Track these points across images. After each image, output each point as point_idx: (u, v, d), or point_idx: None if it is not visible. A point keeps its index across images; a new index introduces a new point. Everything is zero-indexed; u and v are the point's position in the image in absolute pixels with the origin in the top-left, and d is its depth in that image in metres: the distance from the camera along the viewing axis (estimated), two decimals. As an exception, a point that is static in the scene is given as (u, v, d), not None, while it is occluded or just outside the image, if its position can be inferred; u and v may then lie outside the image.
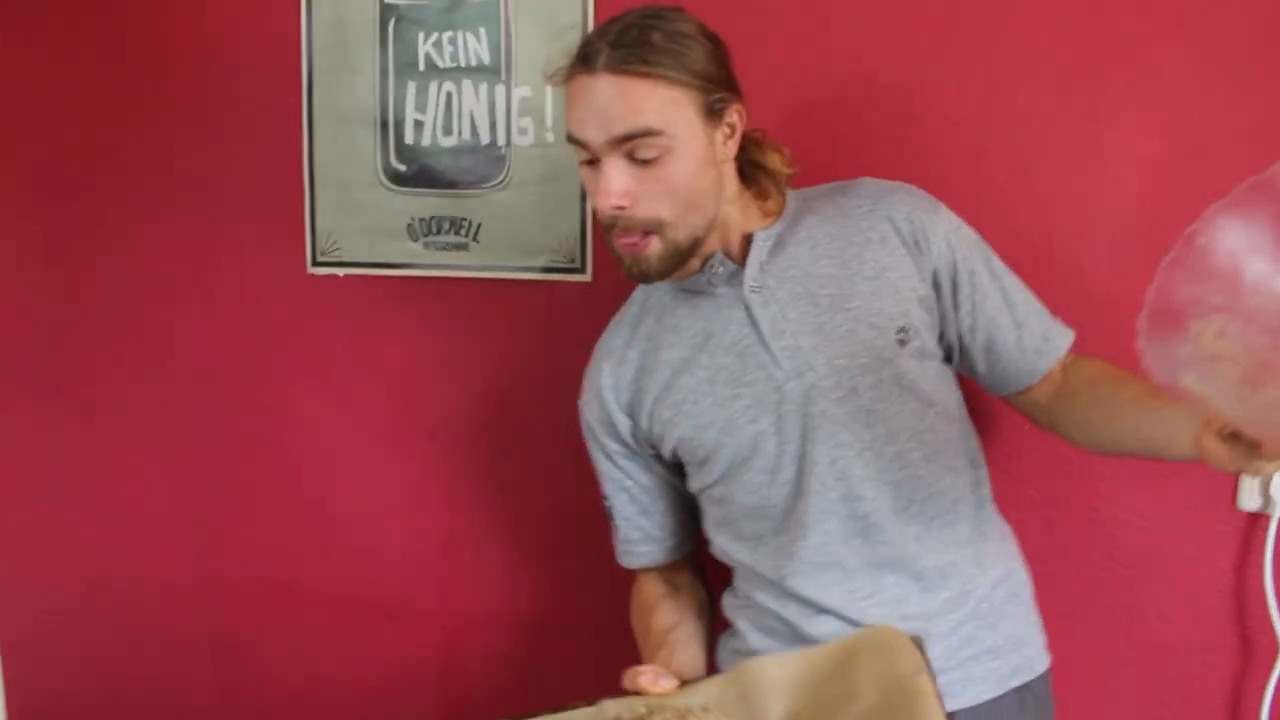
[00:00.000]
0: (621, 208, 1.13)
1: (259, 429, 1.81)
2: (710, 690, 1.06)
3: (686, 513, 1.37)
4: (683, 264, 1.19)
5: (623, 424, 1.30)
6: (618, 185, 1.11)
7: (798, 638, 1.21)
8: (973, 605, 1.21)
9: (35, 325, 1.87)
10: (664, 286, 1.27)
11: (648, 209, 1.13)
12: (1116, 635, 1.53)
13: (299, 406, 1.78)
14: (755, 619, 1.27)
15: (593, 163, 1.14)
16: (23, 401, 1.91)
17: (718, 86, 1.15)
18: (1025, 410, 1.33)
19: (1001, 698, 1.22)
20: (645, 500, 1.34)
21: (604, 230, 1.18)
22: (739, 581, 1.31)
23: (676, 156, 1.12)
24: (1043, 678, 1.29)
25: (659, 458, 1.32)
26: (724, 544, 1.29)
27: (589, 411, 1.34)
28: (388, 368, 1.73)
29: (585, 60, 1.10)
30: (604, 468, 1.35)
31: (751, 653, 1.25)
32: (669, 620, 1.26)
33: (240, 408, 1.81)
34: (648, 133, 1.09)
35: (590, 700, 1.06)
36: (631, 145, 1.10)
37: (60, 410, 1.89)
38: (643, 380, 1.27)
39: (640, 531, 1.36)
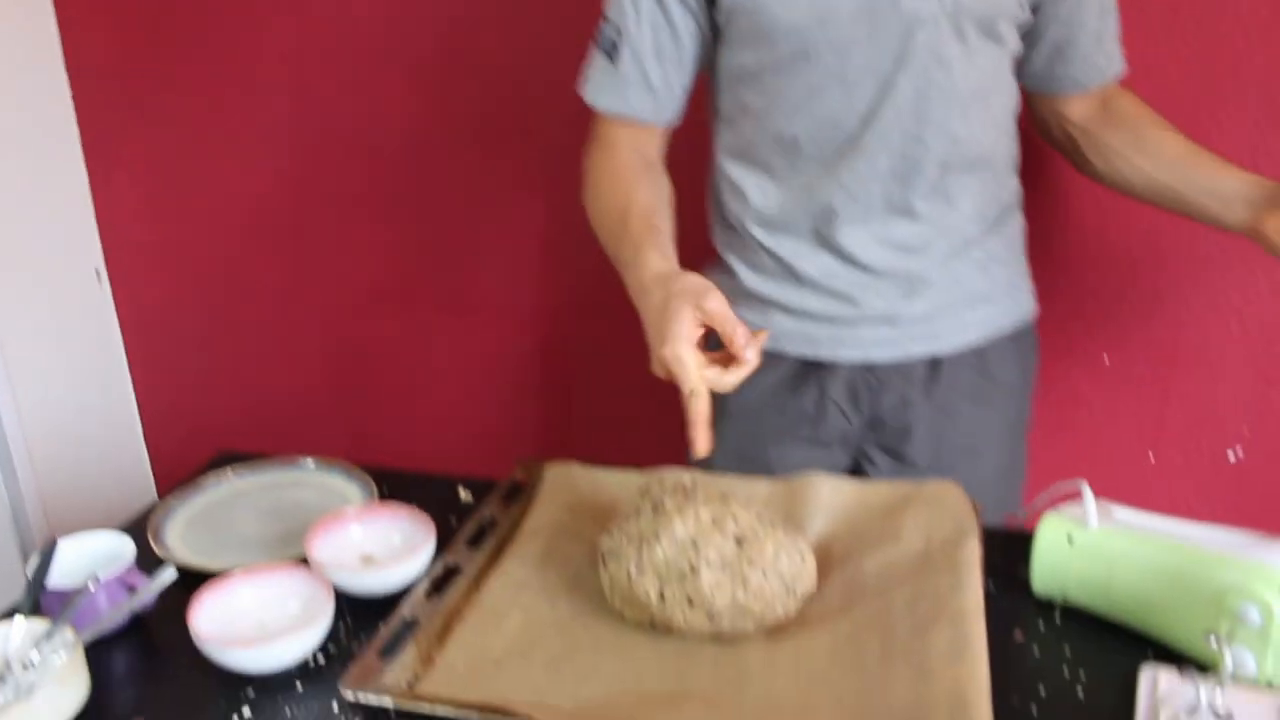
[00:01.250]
0: None
1: (355, 134, 1.82)
2: (758, 488, 1.07)
3: (690, 82, 1.23)
4: None
5: None
6: None
7: (790, 275, 1.20)
8: (975, 255, 1.20)
9: (129, 44, 1.88)
10: None
11: None
12: (1226, 313, 1.51)
13: (391, 106, 1.78)
14: (747, 256, 1.24)
15: None
16: (129, 122, 1.95)
17: None
18: (1048, 121, 1.29)
19: (991, 344, 1.23)
20: (665, 41, 1.17)
21: None
22: (731, 216, 1.25)
23: None
24: (1031, 326, 1.30)
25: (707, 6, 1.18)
26: (736, 173, 1.21)
27: None
28: (481, 64, 1.70)
29: None
30: None
31: (747, 293, 1.24)
32: (650, 200, 1.13)
33: (333, 113, 1.81)
34: None
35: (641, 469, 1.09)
36: None
37: (161, 125, 1.93)
38: None
39: (641, 77, 1.18)
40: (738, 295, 1.24)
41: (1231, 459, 1.58)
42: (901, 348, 1.21)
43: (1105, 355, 1.57)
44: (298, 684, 0.89)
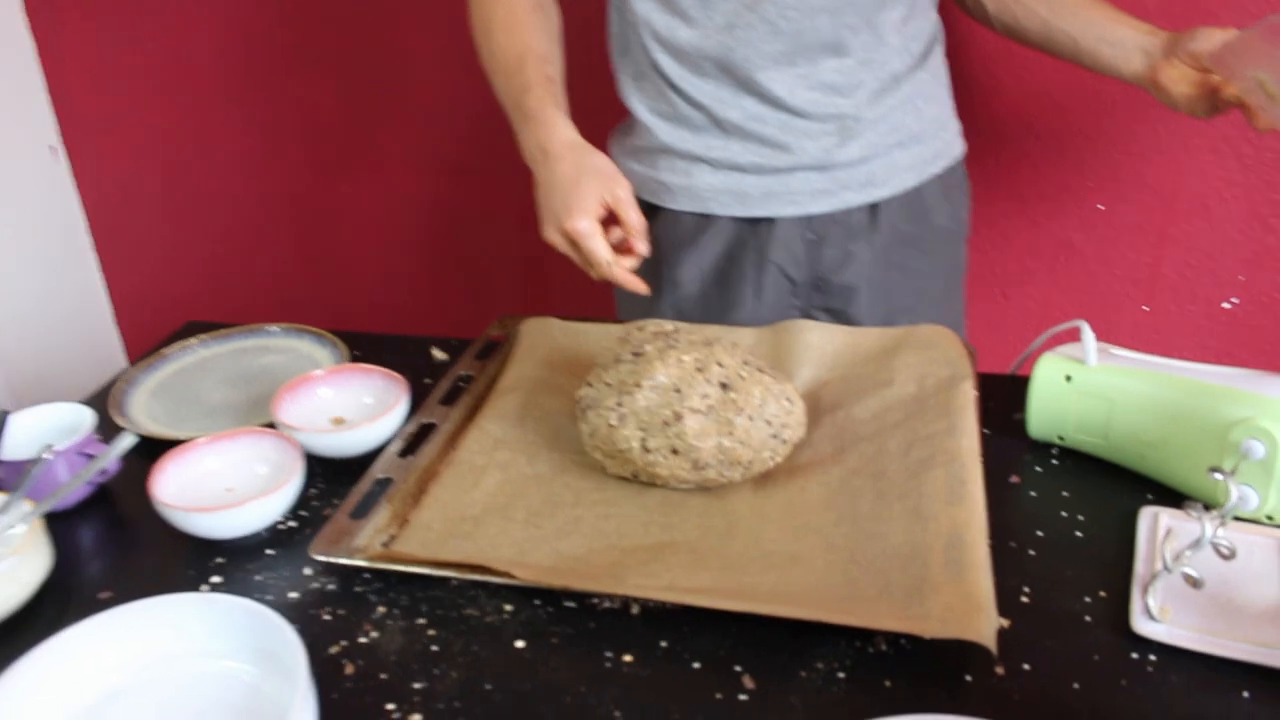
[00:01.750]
0: None
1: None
2: (743, 335, 1.03)
3: None
4: None
5: None
6: None
7: (714, 124, 1.12)
8: (904, 92, 1.14)
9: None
10: None
11: None
12: (1226, 156, 1.45)
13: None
14: (664, 108, 1.14)
15: None
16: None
17: None
18: None
19: (924, 185, 1.18)
20: None
21: None
22: (643, 64, 1.15)
23: None
24: (960, 165, 1.25)
25: None
26: (647, 15, 1.11)
27: None
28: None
29: None
30: None
31: (666, 149, 1.15)
32: (546, 48, 1.09)
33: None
34: None
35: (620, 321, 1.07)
36: None
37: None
38: None
39: None
40: (656, 153, 1.16)
41: (1226, 308, 1.54)
42: (838, 198, 1.14)
43: (1099, 203, 1.52)
44: (268, 550, 0.86)
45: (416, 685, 0.71)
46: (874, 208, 1.16)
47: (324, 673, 0.72)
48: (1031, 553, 0.80)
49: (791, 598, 0.73)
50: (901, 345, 0.98)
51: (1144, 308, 1.57)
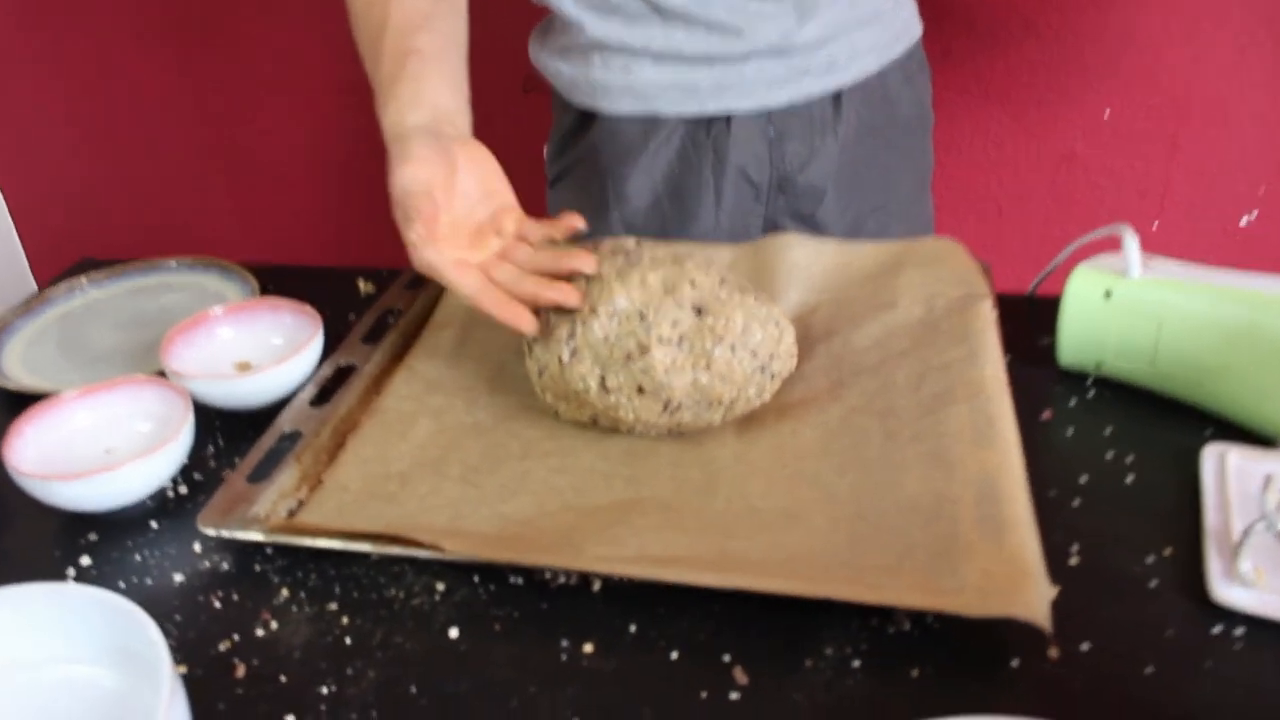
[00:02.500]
0: None
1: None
2: (719, 253, 0.88)
3: None
4: None
5: None
6: None
7: (652, 9, 0.95)
8: None
9: None
10: None
11: None
12: (1247, 54, 1.32)
13: None
14: None
15: None
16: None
17: None
18: None
19: (887, 70, 1.05)
20: None
21: None
22: None
23: None
24: (919, 47, 1.11)
25: None
26: None
27: None
28: None
29: None
30: None
31: (600, 45, 0.98)
32: (408, 11, 0.85)
33: None
34: None
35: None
36: None
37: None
38: None
39: None
40: (588, 50, 0.99)
41: (1244, 224, 1.41)
42: (798, 86, 1.00)
43: (1106, 109, 1.38)
44: (152, 523, 0.71)
45: (324, 689, 0.57)
46: (837, 98, 1.02)
47: (209, 676, 0.58)
48: (1076, 503, 0.66)
49: (789, 567, 0.59)
50: (902, 262, 0.84)
51: (1153, 225, 1.44)
